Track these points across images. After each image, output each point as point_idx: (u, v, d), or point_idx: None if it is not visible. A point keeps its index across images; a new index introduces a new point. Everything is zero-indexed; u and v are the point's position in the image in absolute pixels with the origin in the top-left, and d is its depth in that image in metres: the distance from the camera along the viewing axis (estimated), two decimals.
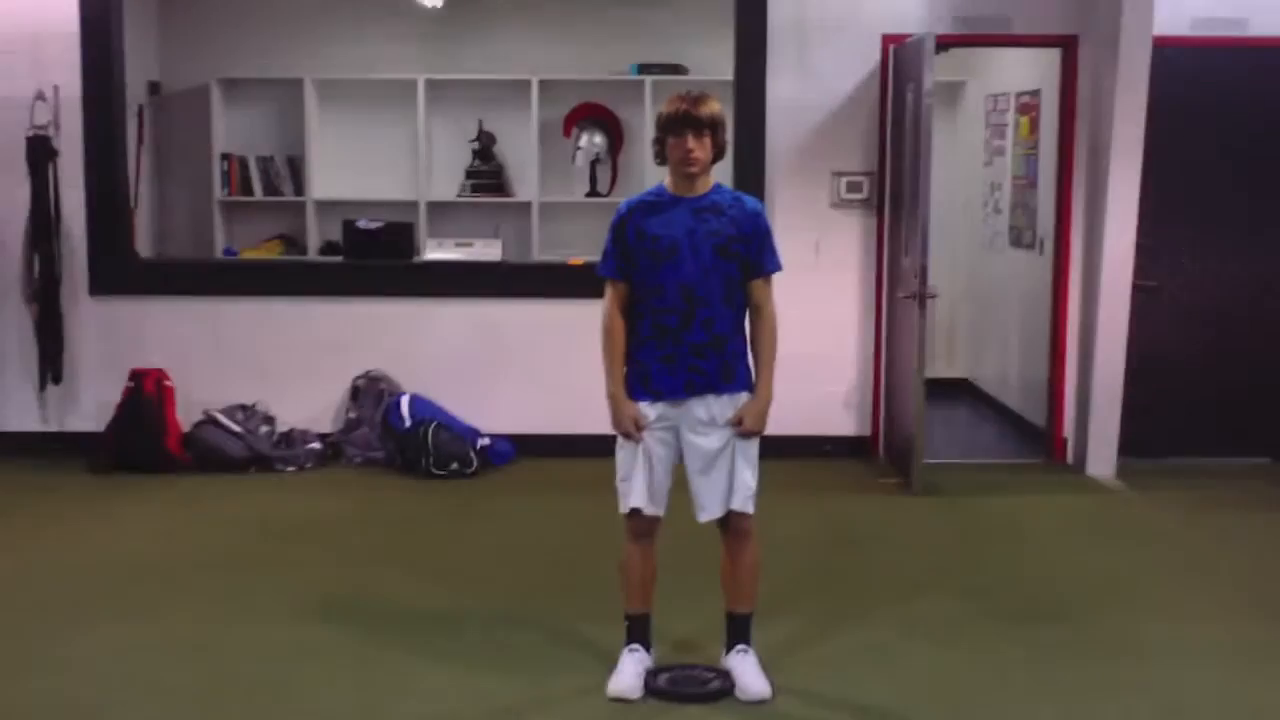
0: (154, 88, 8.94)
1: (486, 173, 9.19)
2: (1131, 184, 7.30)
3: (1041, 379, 8.00)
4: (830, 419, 7.84)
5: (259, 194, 9.12)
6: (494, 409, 7.68)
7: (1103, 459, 7.48)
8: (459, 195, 9.19)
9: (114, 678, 4.49)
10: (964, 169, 9.94)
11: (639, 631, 4.48)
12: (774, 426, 7.54)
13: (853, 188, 7.72)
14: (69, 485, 7.11)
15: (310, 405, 7.74)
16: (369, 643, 4.81)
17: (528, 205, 9.07)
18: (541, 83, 8.99)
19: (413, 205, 8.99)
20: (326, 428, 7.73)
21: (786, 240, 7.60)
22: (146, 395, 7.43)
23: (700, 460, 4.36)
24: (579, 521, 6.49)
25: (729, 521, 4.40)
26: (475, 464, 7.31)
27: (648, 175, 8.92)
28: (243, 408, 7.56)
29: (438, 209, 9.12)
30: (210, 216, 9.07)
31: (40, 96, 7.43)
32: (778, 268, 4.39)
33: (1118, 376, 7.46)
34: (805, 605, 5.29)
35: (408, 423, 7.36)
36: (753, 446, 4.39)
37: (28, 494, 6.94)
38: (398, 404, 7.47)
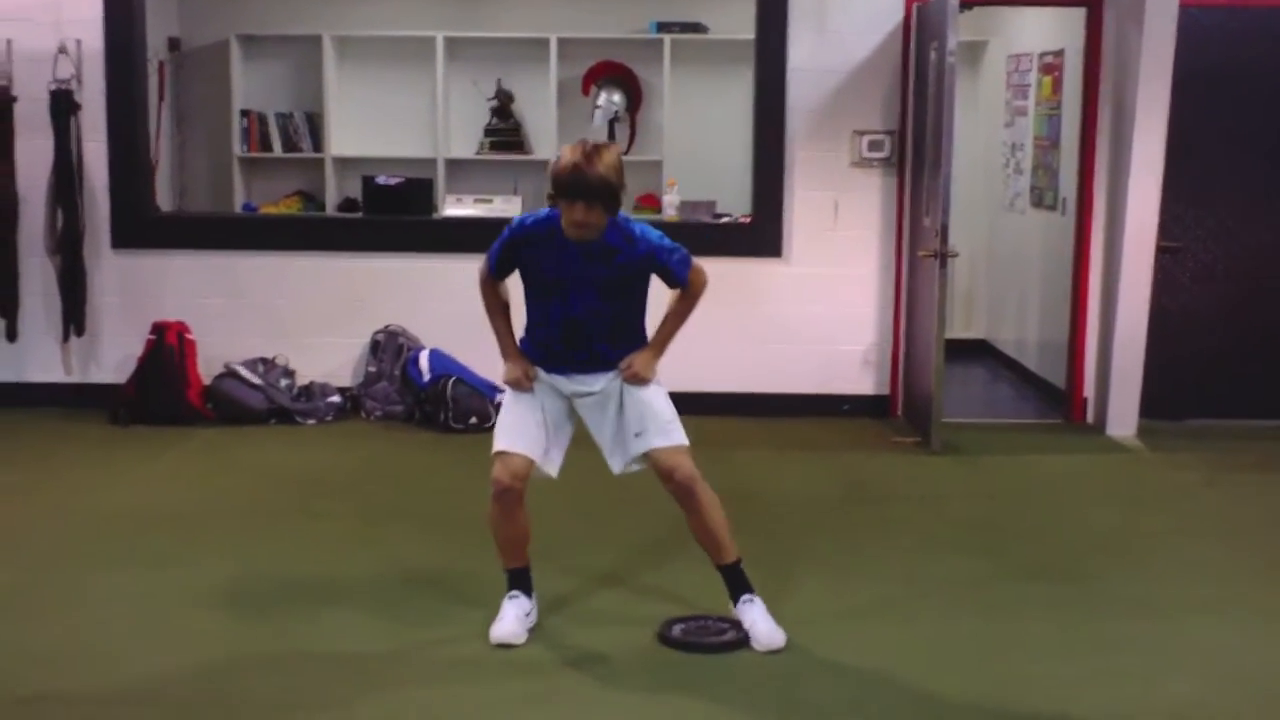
0: (174, 44, 8.94)
1: (505, 130, 9.18)
2: (1156, 144, 7.26)
3: (1062, 340, 7.99)
4: (848, 378, 7.83)
5: (278, 150, 9.13)
6: None
7: (1123, 419, 7.47)
8: (477, 153, 9.18)
9: (133, 623, 4.53)
10: (984, 129, 9.89)
11: (517, 581, 4.45)
12: (791, 384, 7.75)
13: (874, 146, 7.70)
14: (91, 436, 7.15)
15: (330, 359, 7.76)
16: (389, 590, 4.85)
17: (545, 163, 9.03)
18: (560, 41, 8.97)
19: (431, 162, 8.99)
20: (346, 381, 7.75)
21: (806, 199, 7.72)
22: (168, 348, 7.46)
23: (594, 414, 4.38)
24: (595, 474, 6.50)
25: (663, 470, 4.32)
26: (494, 418, 7.30)
27: (666, 134, 8.91)
28: (263, 361, 7.59)
29: (456, 166, 9.12)
30: (230, 172, 9.08)
31: (62, 50, 7.42)
32: (684, 280, 4.37)
33: (1139, 337, 7.44)
34: (822, 562, 5.31)
35: (427, 377, 7.38)
36: (649, 391, 4.36)
37: (51, 444, 6.98)
38: (417, 358, 7.49)
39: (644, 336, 4.44)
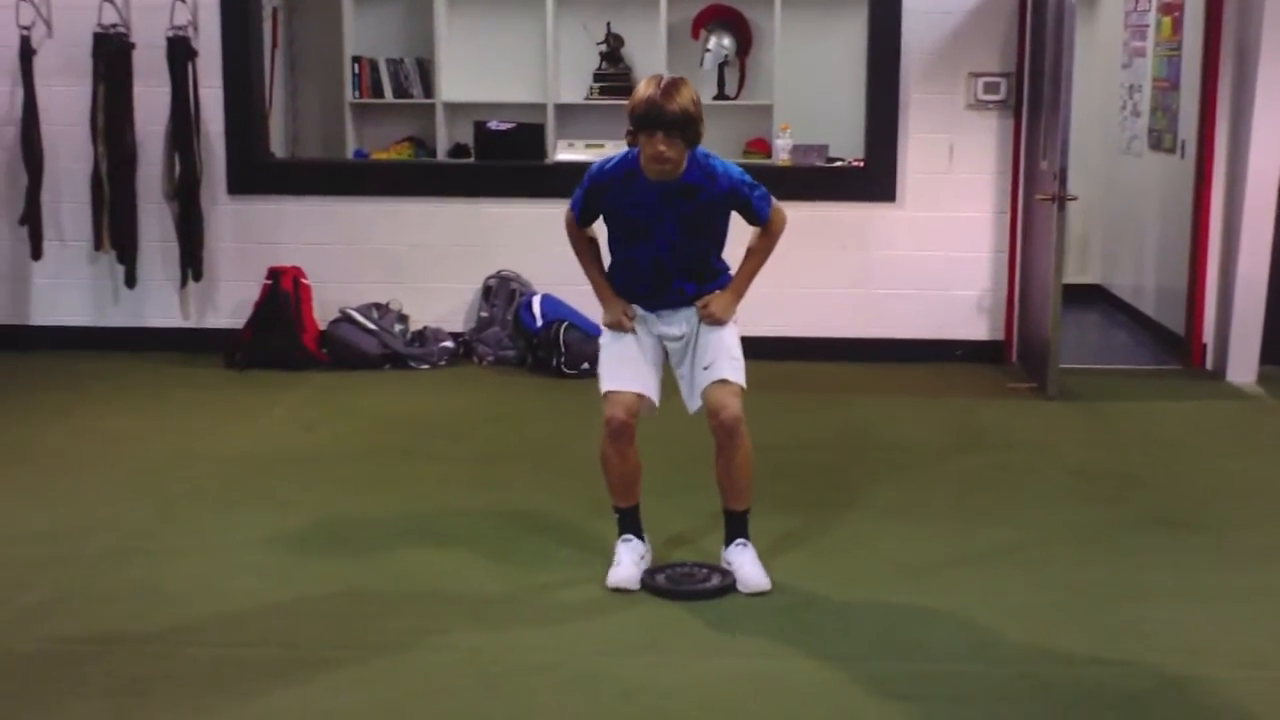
0: None
1: (614, 75, 9.13)
2: None
3: (1180, 285, 7.84)
4: (962, 323, 7.76)
5: (389, 96, 9.15)
6: None
7: (1244, 365, 7.33)
8: (587, 98, 9.16)
9: (257, 565, 4.60)
10: (1100, 71, 9.70)
11: (629, 523, 4.46)
12: (905, 329, 7.69)
13: (990, 89, 7.57)
14: (209, 380, 7.28)
15: (442, 304, 7.82)
16: (503, 533, 4.90)
17: None
18: None
19: (541, 107, 8.97)
20: (459, 327, 7.82)
21: (920, 143, 7.63)
22: (283, 293, 7.56)
23: (678, 355, 4.39)
24: (706, 420, 6.51)
25: (714, 405, 4.29)
26: None
27: (776, 78, 8.82)
28: (377, 306, 7.67)
29: (566, 111, 9.10)
30: (342, 118, 9.12)
31: None
32: (766, 217, 4.33)
33: (1261, 282, 7.30)
34: (942, 507, 5.28)
35: (539, 322, 7.41)
36: (725, 331, 4.35)
37: (170, 388, 7.11)
38: (529, 303, 7.53)
39: (726, 272, 4.42)
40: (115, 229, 7.62)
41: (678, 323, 4.37)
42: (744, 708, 3.57)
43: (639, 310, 4.38)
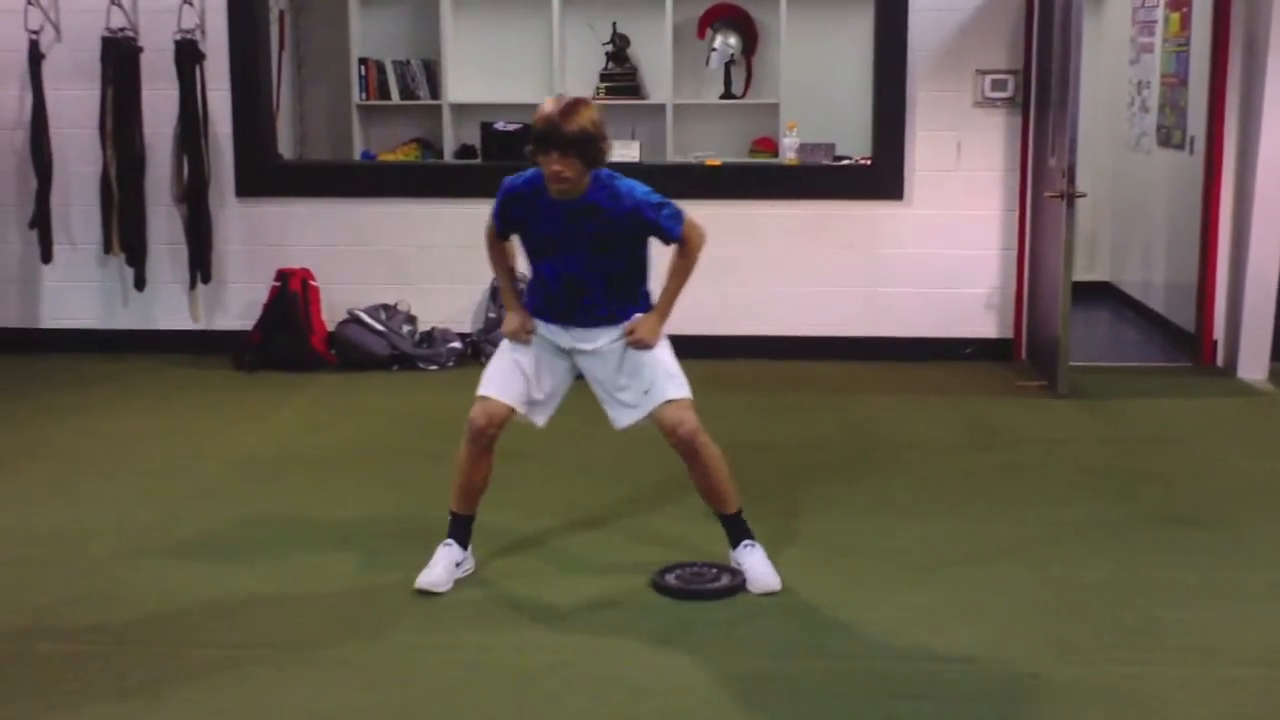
0: None
1: (620, 75, 9.14)
2: None
3: (1190, 281, 7.81)
4: (971, 321, 7.75)
5: (396, 98, 9.17)
6: None
7: (1255, 362, 7.31)
8: (593, 98, 9.14)
9: (269, 565, 4.61)
10: (1108, 67, 9.68)
11: (458, 530, 4.43)
12: (913, 328, 7.68)
13: (997, 86, 7.56)
14: (219, 382, 7.29)
15: (450, 305, 7.83)
16: (511, 531, 4.88)
17: (662, 107, 9.00)
18: None
19: None
20: (466, 327, 7.82)
21: (927, 140, 7.61)
22: (292, 294, 7.57)
23: (594, 367, 4.35)
24: (715, 418, 6.51)
25: (667, 426, 4.26)
26: None
27: (782, 77, 8.81)
28: (385, 307, 7.67)
29: None
30: (349, 120, 9.15)
31: (186, 0, 7.51)
32: (678, 236, 4.27)
33: (1271, 278, 7.27)
34: (951, 505, 5.27)
35: None
36: (656, 350, 4.31)
37: (180, 390, 7.13)
38: None
39: (647, 296, 4.39)
40: (124, 232, 7.64)
41: (595, 338, 4.33)
42: (753, 708, 3.56)
43: (542, 328, 4.35)
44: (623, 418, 4.38)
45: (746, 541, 4.42)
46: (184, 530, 4.98)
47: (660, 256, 4.36)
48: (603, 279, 4.28)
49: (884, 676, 3.74)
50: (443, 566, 4.37)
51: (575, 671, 3.79)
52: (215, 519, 5.09)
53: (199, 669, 3.79)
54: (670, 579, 4.38)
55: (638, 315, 4.33)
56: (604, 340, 4.32)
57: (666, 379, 4.29)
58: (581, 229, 4.19)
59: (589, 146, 4.04)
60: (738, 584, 4.34)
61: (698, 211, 7.72)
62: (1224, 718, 3.52)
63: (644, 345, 4.30)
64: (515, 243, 4.49)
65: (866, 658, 3.87)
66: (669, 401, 4.27)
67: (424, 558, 4.40)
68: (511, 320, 4.40)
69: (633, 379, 4.31)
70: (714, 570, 4.43)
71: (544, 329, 4.36)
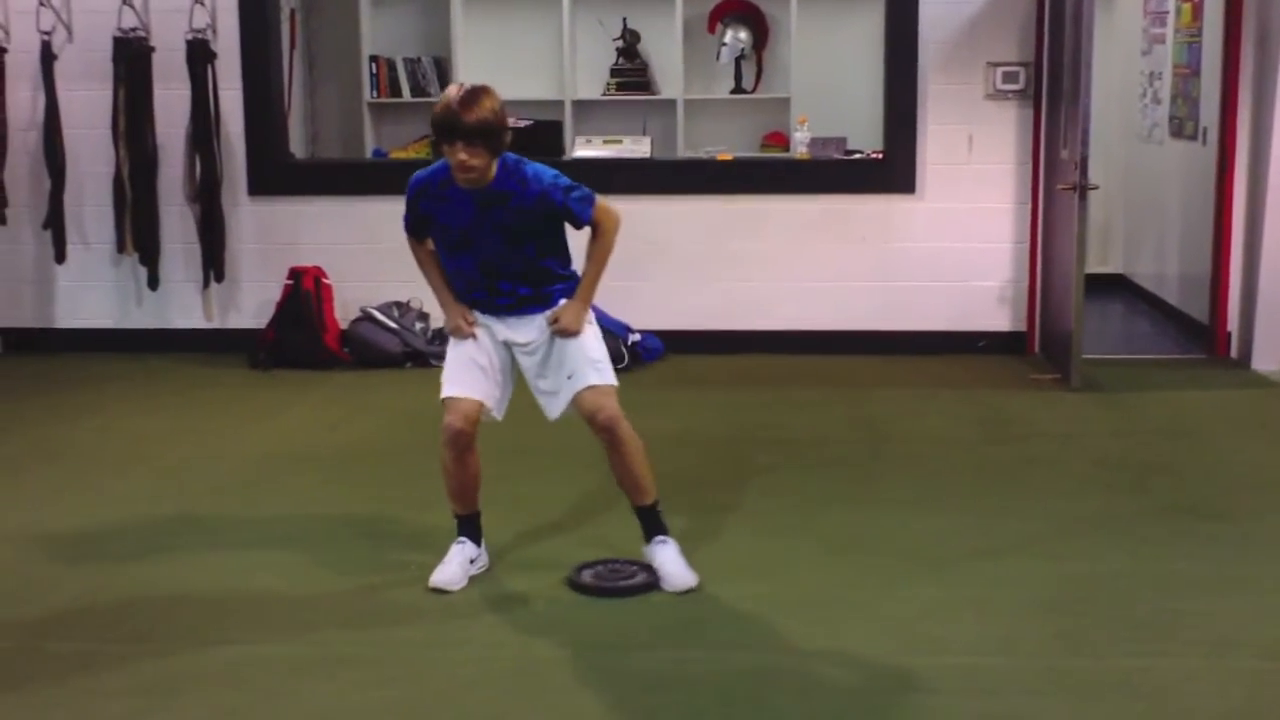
0: None
1: (631, 70, 9.14)
2: None
3: (1204, 273, 7.79)
4: (983, 314, 7.74)
5: (407, 95, 9.18)
6: (643, 305, 7.70)
7: (1269, 353, 7.29)
8: (604, 94, 9.16)
9: (285, 564, 4.62)
10: (1120, 59, 9.66)
11: (467, 529, 4.44)
12: (926, 321, 7.67)
13: (1008, 78, 7.55)
14: (232, 380, 7.32)
15: None
16: (527, 526, 4.89)
17: (672, 103, 8.99)
18: None
19: (558, 104, 8.98)
20: None
21: (939, 134, 7.61)
22: (305, 293, 7.58)
23: (528, 361, 4.33)
24: (726, 413, 6.53)
25: (587, 411, 4.24)
26: (626, 359, 7.35)
27: (793, 71, 8.80)
28: (397, 304, 7.69)
29: (583, 107, 9.11)
30: (360, 118, 9.16)
31: (198, 0, 7.52)
32: (589, 219, 4.23)
33: None
34: (964, 499, 5.26)
35: None
36: (581, 337, 4.27)
37: (195, 389, 7.15)
38: None
39: (572, 275, 4.35)
40: (137, 231, 7.66)
41: (524, 329, 4.30)
42: (767, 702, 3.56)
43: (482, 316, 4.32)
44: (550, 407, 4.36)
45: (660, 537, 4.38)
46: (198, 528, 4.99)
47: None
48: (519, 265, 4.23)
49: (898, 671, 3.74)
50: (457, 564, 4.37)
51: (587, 666, 3.79)
52: (230, 517, 5.10)
53: (212, 667, 3.80)
54: (586, 576, 4.35)
55: (563, 301, 4.29)
56: (534, 329, 4.28)
57: (588, 365, 4.26)
58: (493, 217, 4.15)
59: (492, 135, 4.01)
60: (654, 581, 4.31)
61: (708, 207, 7.78)
62: (1237, 711, 3.51)
63: (567, 333, 4.26)
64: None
65: (879, 651, 3.87)
66: (590, 387, 4.24)
67: (437, 555, 4.41)
68: (451, 316, 4.35)
69: (557, 368, 4.29)
70: (632, 568, 4.40)
71: (481, 317, 4.33)
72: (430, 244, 4.41)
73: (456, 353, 4.34)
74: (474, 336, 4.30)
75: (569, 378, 4.27)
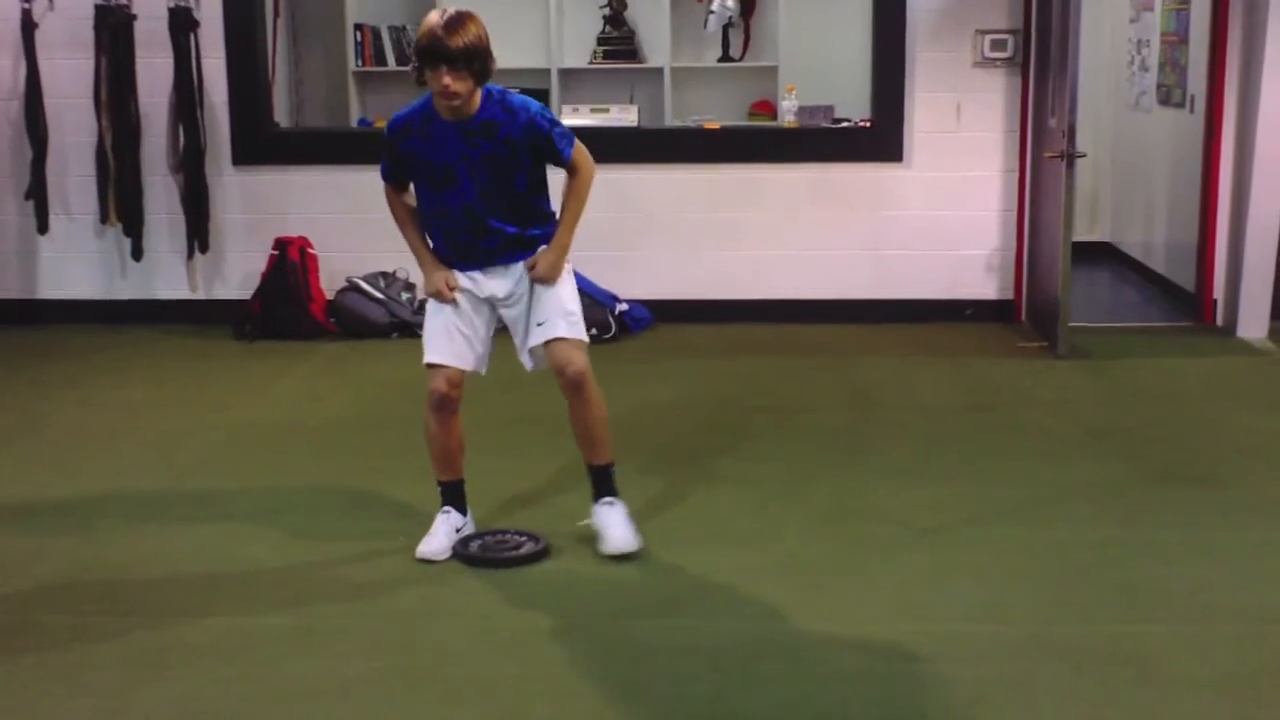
0: None
1: (618, 38, 9.10)
2: None
3: (1190, 241, 7.80)
4: (971, 282, 7.73)
5: (392, 64, 9.13)
6: (631, 274, 7.68)
7: (1255, 321, 7.30)
8: (590, 62, 9.12)
9: (275, 535, 4.61)
10: (1108, 26, 9.63)
11: (451, 496, 4.42)
12: (914, 290, 7.67)
13: (997, 46, 7.52)
14: (218, 351, 7.28)
15: None
16: (513, 496, 4.88)
17: (659, 71, 8.96)
18: None
19: (544, 72, 8.94)
20: None
21: (927, 102, 7.58)
22: (291, 263, 7.54)
23: (511, 314, 4.31)
24: (716, 381, 6.52)
25: (557, 363, 4.22)
26: (614, 329, 7.35)
27: (781, 39, 8.77)
28: (384, 275, 7.65)
29: (570, 76, 9.07)
30: (345, 87, 9.11)
31: None
32: (569, 157, 4.21)
33: (1272, 237, 7.26)
34: (953, 466, 5.27)
35: None
36: (558, 286, 4.25)
37: (180, 360, 7.12)
38: None
39: (551, 217, 4.31)
40: (121, 202, 7.61)
41: (505, 281, 4.26)
42: (757, 669, 3.56)
43: (466, 276, 4.27)
44: (530, 359, 4.34)
45: (608, 499, 4.37)
46: (187, 501, 4.98)
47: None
48: (504, 201, 4.19)
49: (887, 638, 3.75)
50: (443, 533, 4.36)
51: (579, 636, 3.80)
52: (218, 489, 5.09)
53: (201, 638, 3.79)
54: (473, 547, 4.34)
55: (542, 248, 4.26)
56: (513, 280, 4.25)
57: (560, 315, 4.23)
58: (480, 148, 4.10)
59: (478, 59, 3.96)
60: (539, 550, 4.32)
61: (695, 176, 7.75)
62: (1226, 675, 3.52)
63: (544, 280, 4.24)
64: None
65: (869, 619, 3.88)
66: (560, 339, 4.22)
67: (424, 525, 4.40)
68: (434, 279, 4.28)
69: (533, 314, 4.26)
70: (520, 538, 4.40)
71: (462, 279, 4.28)
72: (409, 197, 4.33)
73: (439, 317, 4.29)
74: (455, 302, 4.26)
75: (539, 325, 4.24)
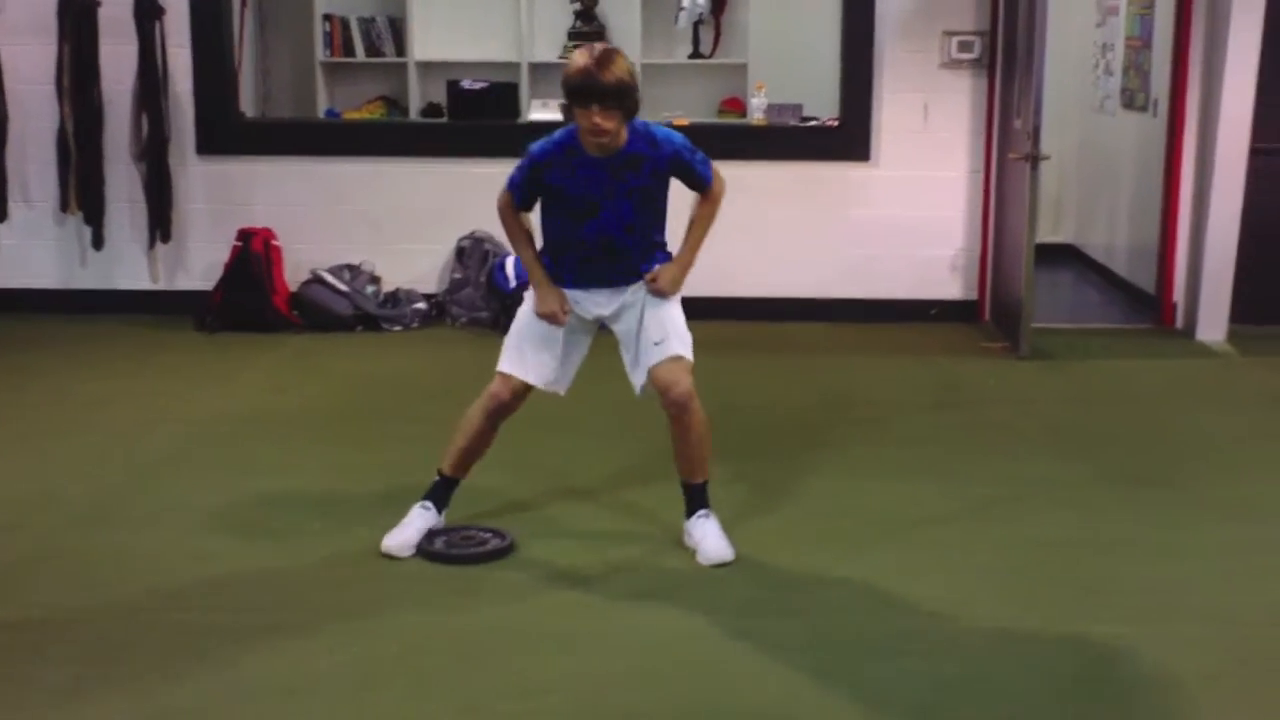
0: None
1: (588, 34, 9.07)
2: (1251, 44, 7.10)
3: (1152, 244, 7.86)
4: (936, 282, 7.77)
5: (360, 55, 9.08)
6: None
7: (1214, 324, 7.37)
8: (561, 56, 9.09)
9: (234, 529, 4.58)
10: (1074, 30, 9.68)
11: (440, 491, 4.41)
12: (879, 289, 7.69)
13: (964, 47, 7.56)
14: (179, 343, 7.23)
15: (415, 265, 7.78)
16: (479, 493, 4.86)
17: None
18: None
19: (514, 66, 8.91)
20: (431, 288, 7.78)
21: (894, 102, 7.61)
22: (254, 254, 7.50)
23: (624, 330, 4.30)
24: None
25: (664, 383, 4.21)
26: None
27: (751, 37, 8.78)
28: (349, 267, 7.63)
29: (540, 70, 9.04)
30: (312, 78, 9.05)
31: None
32: (709, 181, 4.26)
33: (1231, 241, 7.33)
34: (916, 465, 5.29)
35: (513, 283, 7.37)
36: (671, 307, 4.28)
37: (141, 352, 7.06)
38: (502, 264, 7.49)
39: (664, 247, 4.34)
40: (82, 190, 7.55)
41: (614, 297, 4.27)
42: (726, 665, 3.58)
43: (580, 294, 4.28)
44: (637, 378, 4.32)
45: (703, 511, 4.38)
46: (149, 494, 4.94)
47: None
48: (638, 231, 4.23)
49: (856, 634, 3.77)
50: (415, 529, 4.33)
51: (543, 632, 3.80)
52: (181, 483, 5.04)
53: (163, 634, 3.76)
54: (439, 543, 4.33)
55: (658, 266, 4.28)
56: (620, 297, 4.26)
57: (676, 336, 4.25)
58: (626, 182, 4.12)
59: (627, 97, 3.95)
60: (504, 547, 4.31)
61: None
62: (1182, 672, 3.55)
63: (664, 294, 4.26)
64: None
65: (838, 616, 3.90)
66: (675, 358, 4.22)
67: (391, 520, 4.38)
68: (548, 300, 4.24)
69: (645, 335, 4.24)
70: (485, 534, 4.40)
71: (574, 296, 4.28)
72: (526, 218, 4.31)
73: (533, 331, 4.28)
74: (564, 324, 4.26)
75: (656, 343, 4.22)
